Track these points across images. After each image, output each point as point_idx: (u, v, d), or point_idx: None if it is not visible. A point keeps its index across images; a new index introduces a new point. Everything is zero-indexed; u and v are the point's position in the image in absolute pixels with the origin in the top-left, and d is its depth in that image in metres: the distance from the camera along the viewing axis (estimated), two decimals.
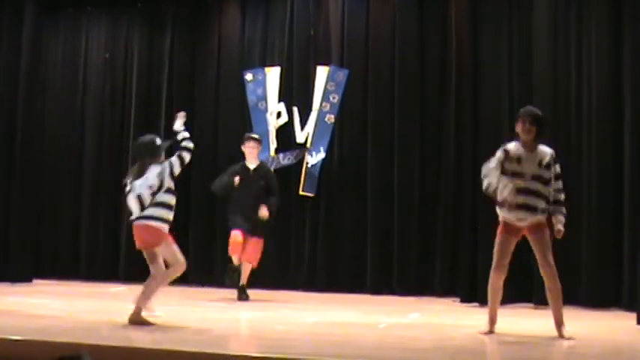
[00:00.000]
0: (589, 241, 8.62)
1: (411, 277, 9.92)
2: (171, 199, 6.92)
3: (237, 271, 9.15)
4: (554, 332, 6.40)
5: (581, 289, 8.56)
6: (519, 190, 6.35)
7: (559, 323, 6.39)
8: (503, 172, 6.40)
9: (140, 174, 6.89)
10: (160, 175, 6.84)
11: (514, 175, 6.37)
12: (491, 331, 6.55)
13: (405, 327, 7.31)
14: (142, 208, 6.84)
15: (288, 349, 5.81)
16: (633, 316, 7.21)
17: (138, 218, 6.85)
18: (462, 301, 8.95)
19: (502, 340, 6.43)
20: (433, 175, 10.02)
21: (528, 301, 8.50)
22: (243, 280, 9.23)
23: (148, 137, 7.19)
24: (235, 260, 9.13)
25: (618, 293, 8.39)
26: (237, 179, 9.14)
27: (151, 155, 6.98)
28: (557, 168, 6.45)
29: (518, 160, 6.38)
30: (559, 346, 6.24)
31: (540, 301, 7.98)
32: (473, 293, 8.80)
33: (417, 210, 10.00)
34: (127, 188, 6.93)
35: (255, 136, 9.59)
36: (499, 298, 6.60)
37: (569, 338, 6.30)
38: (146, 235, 6.88)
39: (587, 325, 7.27)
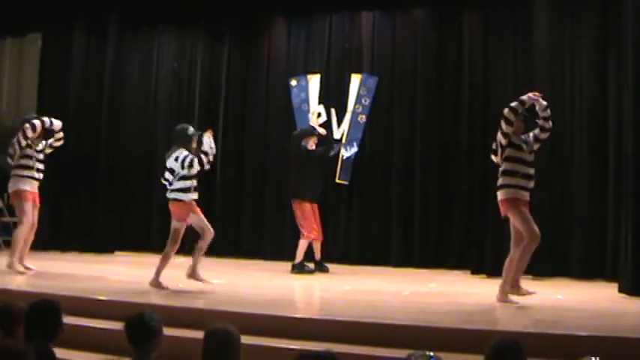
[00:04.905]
0: (580, 224, 8.65)
1: (430, 252, 9.95)
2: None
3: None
4: (552, 300, 6.56)
5: (572, 263, 8.59)
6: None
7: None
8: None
9: (169, 155, 7.03)
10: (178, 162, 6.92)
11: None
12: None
13: (425, 294, 7.41)
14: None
15: (328, 312, 5.99)
16: (616, 285, 7.26)
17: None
18: (473, 273, 8.98)
19: (507, 305, 6.42)
20: (449, 168, 10.00)
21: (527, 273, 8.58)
22: (317, 255, 9.22)
23: (180, 126, 7.23)
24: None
25: (602, 266, 8.40)
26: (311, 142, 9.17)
27: (178, 141, 7.05)
28: None
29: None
30: (552, 309, 6.30)
31: (541, 272, 8.09)
32: (481, 266, 8.85)
33: (435, 196, 10.01)
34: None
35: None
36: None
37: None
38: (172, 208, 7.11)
39: (577, 292, 7.35)
